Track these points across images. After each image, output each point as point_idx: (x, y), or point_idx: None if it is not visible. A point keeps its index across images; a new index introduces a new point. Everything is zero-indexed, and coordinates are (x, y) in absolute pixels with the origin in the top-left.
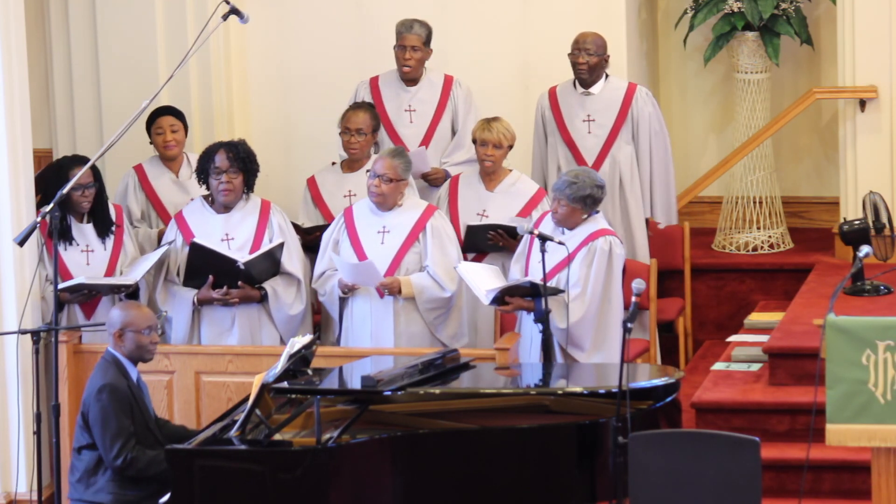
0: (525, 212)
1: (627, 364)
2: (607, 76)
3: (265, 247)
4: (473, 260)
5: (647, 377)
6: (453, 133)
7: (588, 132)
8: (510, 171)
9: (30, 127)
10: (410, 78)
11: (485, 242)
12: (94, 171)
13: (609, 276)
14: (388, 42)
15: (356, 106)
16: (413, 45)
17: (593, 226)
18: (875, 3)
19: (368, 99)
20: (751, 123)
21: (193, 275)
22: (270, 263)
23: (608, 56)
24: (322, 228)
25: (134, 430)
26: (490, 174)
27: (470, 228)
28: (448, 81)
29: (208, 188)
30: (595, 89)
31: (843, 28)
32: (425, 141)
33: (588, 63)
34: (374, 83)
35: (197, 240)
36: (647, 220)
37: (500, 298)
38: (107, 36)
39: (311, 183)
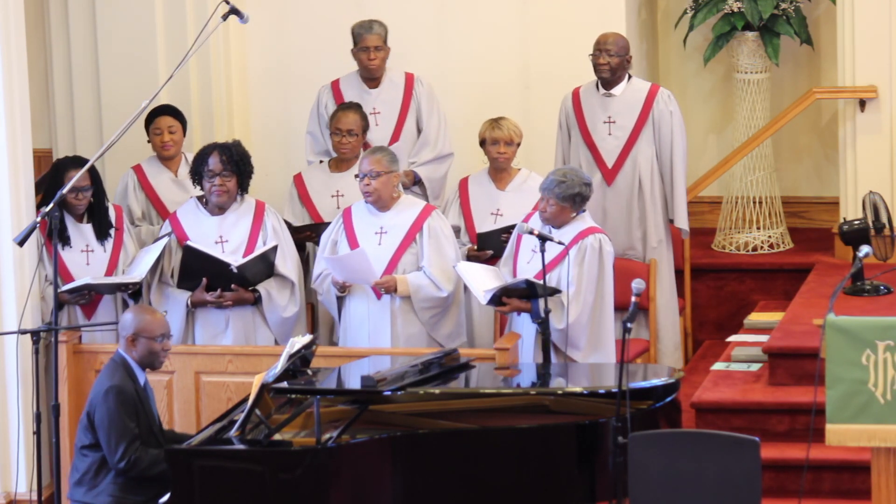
0: (537, 208)
1: (627, 364)
2: (630, 77)
3: (259, 249)
4: (488, 263)
5: (646, 377)
6: (419, 133)
7: (608, 134)
8: (519, 169)
9: (30, 127)
10: (375, 77)
11: (499, 245)
12: (93, 173)
13: (601, 273)
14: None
15: (346, 106)
16: (375, 45)
17: (581, 224)
18: (875, 3)
19: (332, 103)
20: (751, 123)
21: (187, 277)
22: (264, 266)
23: (630, 57)
24: (311, 227)
25: (138, 433)
26: (501, 172)
27: (481, 236)
28: (410, 79)
29: (202, 189)
30: (617, 90)
31: (843, 28)
32: (392, 143)
33: (609, 64)
34: (335, 86)
35: (190, 243)
36: (670, 222)
37: (498, 299)
38: (107, 36)
39: (298, 180)
